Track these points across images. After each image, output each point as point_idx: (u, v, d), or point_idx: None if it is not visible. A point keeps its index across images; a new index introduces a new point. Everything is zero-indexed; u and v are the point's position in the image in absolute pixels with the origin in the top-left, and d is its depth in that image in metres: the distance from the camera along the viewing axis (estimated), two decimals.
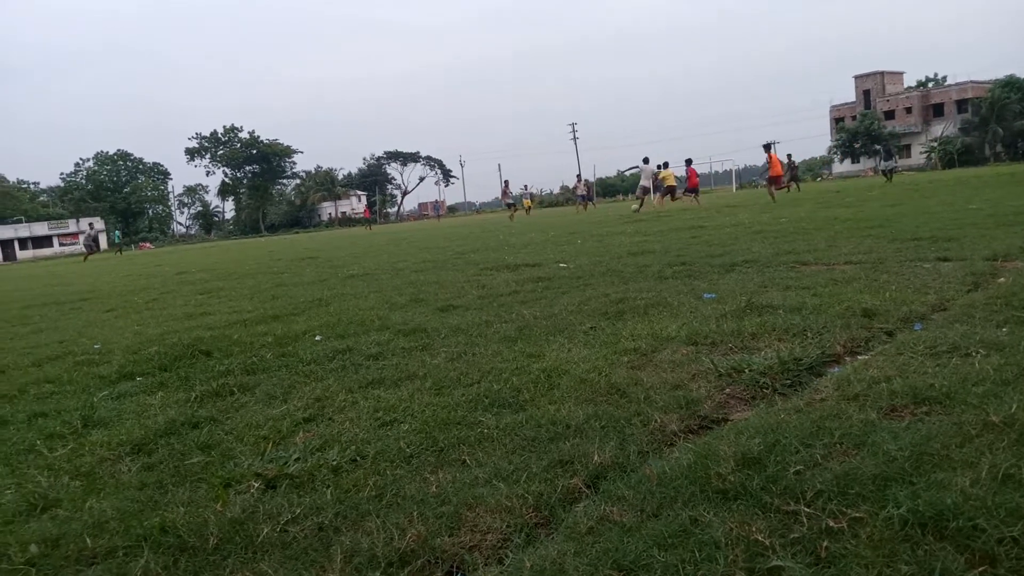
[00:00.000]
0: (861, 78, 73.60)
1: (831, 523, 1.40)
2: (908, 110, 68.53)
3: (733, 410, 2.23)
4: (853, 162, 67.59)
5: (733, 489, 1.57)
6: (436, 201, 74.70)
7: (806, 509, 1.46)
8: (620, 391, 2.45)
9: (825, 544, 1.34)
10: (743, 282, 4.61)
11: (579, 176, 34.63)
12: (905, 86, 72.97)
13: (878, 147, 60.50)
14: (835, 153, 70.45)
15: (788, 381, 2.42)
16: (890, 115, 68.87)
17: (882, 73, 72.29)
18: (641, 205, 22.20)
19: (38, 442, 2.54)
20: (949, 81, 68.46)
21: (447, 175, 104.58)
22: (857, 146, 66.58)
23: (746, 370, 2.51)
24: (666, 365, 2.74)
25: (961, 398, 2.00)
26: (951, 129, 61.59)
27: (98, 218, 74.29)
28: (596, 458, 1.86)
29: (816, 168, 78.55)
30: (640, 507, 1.56)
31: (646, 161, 23.29)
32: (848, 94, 75.75)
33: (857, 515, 1.41)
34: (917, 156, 63.29)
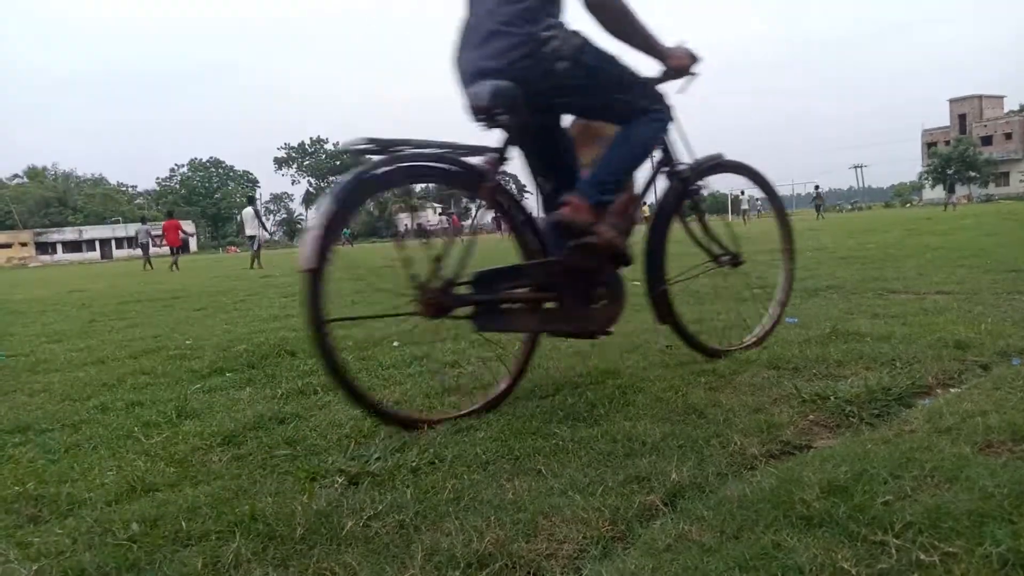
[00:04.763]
0: (957, 102, 70.46)
1: (922, 556, 1.35)
2: (1008, 136, 65.17)
3: (817, 437, 2.17)
4: (945, 188, 64.61)
5: (818, 516, 1.53)
6: None
7: (895, 540, 1.41)
8: (698, 411, 2.42)
9: None
10: (827, 308, 4.48)
11: None
12: (1006, 111, 69.40)
13: (962, 177, 57.80)
14: (926, 179, 67.53)
15: (876, 411, 2.34)
16: (987, 141, 65.63)
17: (980, 97, 69.02)
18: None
19: (135, 429, 2.69)
20: None
21: (521, 189, 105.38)
22: (950, 172, 63.57)
23: (831, 397, 2.44)
24: (746, 388, 2.69)
25: None
26: None
27: (190, 221, 78.11)
28: (674, 476, 1.85)
29: (905, 194, 75.39)
30: (720, 528, 1.55)
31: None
32: (942, 118, 72.57)
33: (951, 550, 1.36)
34: (1016, 184, 59.98)
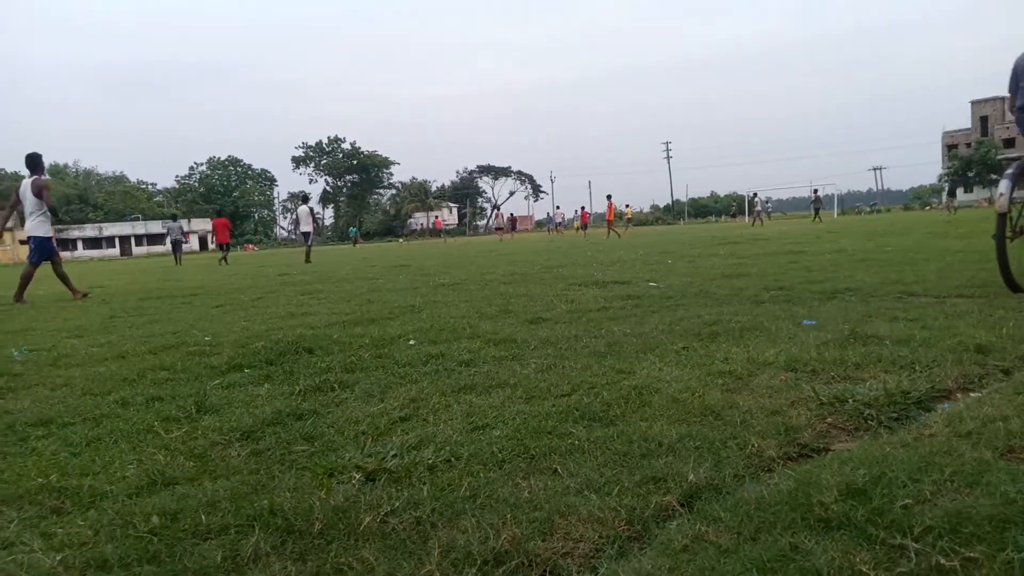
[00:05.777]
0: (978, 103, 69.61)
1: (942, 561, 1.34)
2: None
3: (835, 440, 2.16)
4: (966, 191, 63.86)
5: (836, 519, 1.52)
6: (558, 213, 72.96)
7: (914, 544, 1.40)
8: (715, 413, 2.41)
9: None
10: (846, 310, 4.44)
11: (498, 208, 49.37)
12: None
13: (995, 176, 57.19)
14: (946, 182, 66.82)
15: (894, 414, 2.32)
16: (1010, 143, 64.79)
17: (1003, 99, 67.99)
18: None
19: (156, 424, 2.72)
20: None
21: (537, 190, 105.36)
22: (971, 175, 62.82)
23: (849, 400, 2.42)
24: (763, 390, 2.68)
25: None
26: None
27: (208, 219, 78.61)
28: (691, 477, 1.84)
29: (925, 197, 74.69)
30: (737, 529, 1.54)
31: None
32: (963, 120, 71.65)
33: (971, 555, 1.35)
34: None
